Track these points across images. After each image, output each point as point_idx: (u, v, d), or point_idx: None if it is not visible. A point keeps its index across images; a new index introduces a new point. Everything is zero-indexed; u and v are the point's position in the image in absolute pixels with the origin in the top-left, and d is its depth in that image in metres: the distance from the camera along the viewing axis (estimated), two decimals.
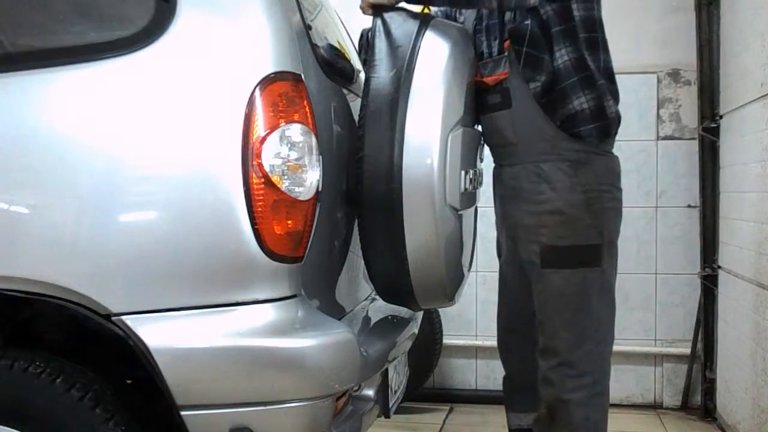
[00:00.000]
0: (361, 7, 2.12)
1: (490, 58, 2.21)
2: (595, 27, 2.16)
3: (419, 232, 1.88)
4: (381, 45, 2.00)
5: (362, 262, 2.00)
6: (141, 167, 1.64)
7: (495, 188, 2.35)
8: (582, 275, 2.15)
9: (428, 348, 3.80)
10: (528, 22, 2.12)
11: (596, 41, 2.16)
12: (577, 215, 2.12)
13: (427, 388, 3.97)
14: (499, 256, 2.42)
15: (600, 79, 2.14)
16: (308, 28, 1.88)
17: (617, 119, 2.20)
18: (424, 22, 2.04)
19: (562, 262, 2.14)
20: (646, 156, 3.88)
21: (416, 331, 2.31)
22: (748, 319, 3.12)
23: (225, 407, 1.63)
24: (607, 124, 2.16)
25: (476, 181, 2.23)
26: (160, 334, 1.60)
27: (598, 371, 2.20)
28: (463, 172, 2.03)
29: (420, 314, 2.41)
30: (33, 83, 1.70)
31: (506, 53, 2.16)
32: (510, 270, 2.35)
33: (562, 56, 2.11)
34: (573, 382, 2.16)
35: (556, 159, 2.14)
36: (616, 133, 2.22)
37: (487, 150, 2.37)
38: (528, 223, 2.18)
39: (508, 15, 2.17)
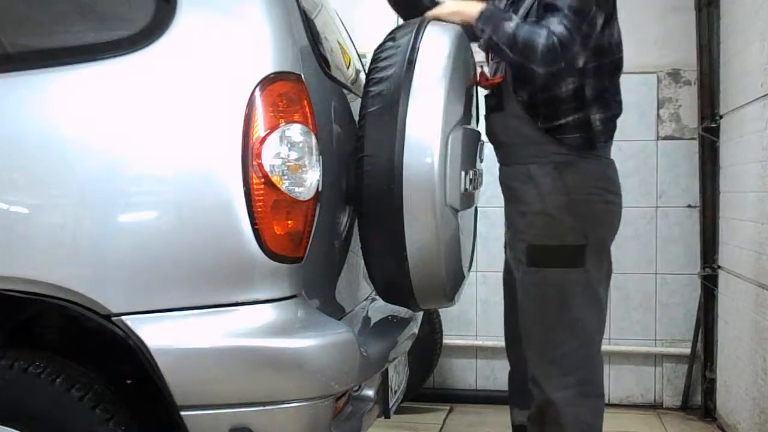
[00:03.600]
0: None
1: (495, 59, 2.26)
2: (608, 52, 2.20)
3: (419, 232, 1.87)
4: (381, 45, 2.01)
5: (362, 262, 2.00)
6: (141, 167, 1.64)
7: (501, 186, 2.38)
8: (562, 274, 2.17)
9: (428, 348, 3.80)
10: None
11: (601, 67, 2.18)
12: (560, 217, 2.15)
13: (427, 388, 3.97)
14: (505, 253, 2.45)
15: (592, 103, 2.17)
16: (308, 28, 1.88)
17: (602, 133, 2.21)
18: (423, 22, 2.04)
19: (545, 261, 2.18)
20: (646, 156, 3.88)
21: (416, 331, 2.31)
22: (748, 319, 3.12)
23: (225, 407, 1.63)
24: (591, 136, 2.18)
25: (476, 181, 2.24)
26: (160, 335, 1.60)
27: (584, 372, 2.21)
28: (463, 173, 2.03)
29: (420, 314, 2.41)
30: (33, 83, 1.70)
31: None
32: (510, 268, 2.37)
33: (567, 85, 2.14)
34: (558, 381, 2.18)
35: (543, 162, 2.17)
36: (605, 141, 2.23)
37: (487, 150, 2.38)
38: (518, 223, 2.22)
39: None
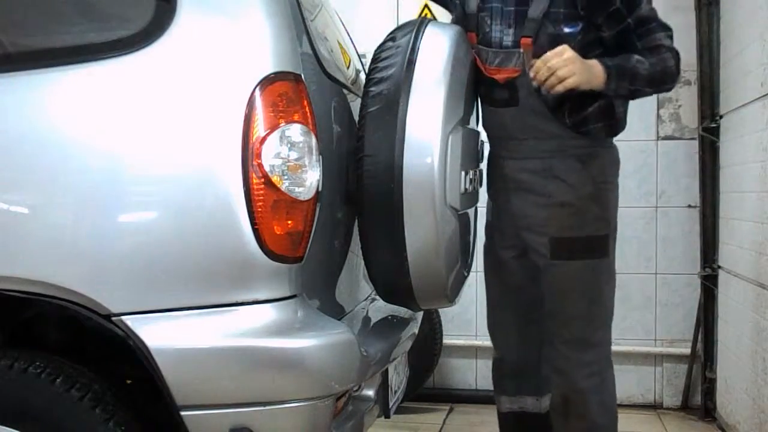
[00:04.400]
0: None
1: (501, 48, 2.17)
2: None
3: (419, 232, 1.88)
4: (381, 46, 2.01)
5: (362, 262, 2.00)
6: (141, 167, 1.64)
7: (493, 177, 2.33)
8: (593, 265, 2.20)
9: (428, 348, 3.80)
10: (578, 35, 2.10)
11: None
12: (588, 207, 2.17)
13: (427, 388, 3.97)
14: (488, 239, 2.42)
15: None
16: (308, 27, 1.88)
17: (624, 120, 2.26)
18: (423, 22, 2.04)
19: (573, 254, 2.18)
20: (646, 156, 3.88)
21: (416, 331, 2.31)
22: (748, 319, 3.12)
23: (225, 407, 1.63)
24: (614, 123, 2.22)
25: (476, 181, 2.24)
26: (160, 334, 1.60)
27: (605, 357, 2.26)
28: (463, 173, 2.03)
29: (420, 314, 2.41)
30: (33, 83, 1.70)
31: (521, 50, 2.12)
32: (510, 254, 2.33)
33: None
34: (587, 369, 2.21)
35: (565, 155, 2.18)
36: (623, 129, 2.28)
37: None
38: (537, 215, 2.21)
39: (534, 11, 2.11)
